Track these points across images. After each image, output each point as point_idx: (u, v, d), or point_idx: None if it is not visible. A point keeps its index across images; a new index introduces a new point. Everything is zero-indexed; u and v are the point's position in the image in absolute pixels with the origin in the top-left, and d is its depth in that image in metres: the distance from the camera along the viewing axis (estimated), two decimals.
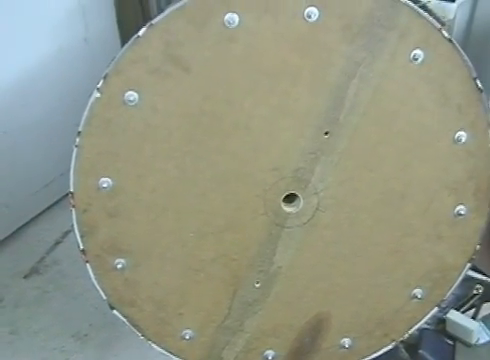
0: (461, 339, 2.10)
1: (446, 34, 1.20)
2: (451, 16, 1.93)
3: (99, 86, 1.15)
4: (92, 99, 1.16)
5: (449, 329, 2.12)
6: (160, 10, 3.06)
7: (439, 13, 1.83)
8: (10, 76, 2.73)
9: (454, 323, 2.10)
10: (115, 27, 3.15)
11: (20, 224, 3.08)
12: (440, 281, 1.40)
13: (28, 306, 2.67)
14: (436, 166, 1.29)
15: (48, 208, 3.18)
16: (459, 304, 2.20)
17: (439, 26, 1.19)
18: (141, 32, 1.14)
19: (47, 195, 3.14)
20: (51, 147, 2.98)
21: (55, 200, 3.18)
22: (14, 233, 3.05)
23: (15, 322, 2.60)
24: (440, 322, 2.16)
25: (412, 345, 2.04)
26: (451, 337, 2.13)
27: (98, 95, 1.16)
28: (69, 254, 2.86)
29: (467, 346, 2.09)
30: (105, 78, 1.15)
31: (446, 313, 2.13)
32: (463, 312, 2.18)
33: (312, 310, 1.40)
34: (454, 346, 2.11)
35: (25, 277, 2.83)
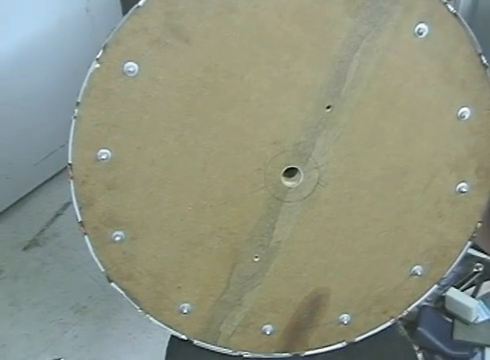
0: (460, 317, 2.10)
1: (451, 9, 1.18)
2: None
3: (98, 56, 1.14)
4: (91, 69, 1.15)
5: (448, 307, 2.13)
6: None
7: None
8: (11, 46, 2.72)
9: (453, 301, 2.11)
10: None
11: (20, 196, 3.09)
12: (440, 258, 1.39)
13: (28, 278, 2.69)
14: (438, 143, 1.27)
15: (48, 180, 3.20)
16: (459, 282, 2.20)
17: (444, 0, 1.17)
18: (141, 2, 1.12)
19: (48, 167, 3.15)
20: (52, 118, 2.98)
21: (56, 172, 3.19)
22: (14, 205, 3.06)
23: (15, 294, 2.62)
24: (439, 300, 2.16)
25: (411, 322, 2.04)
26: (450, 315, 2.14)
27: (97, 65, 1.14)
28: (69, 226, 2.88)
29: (466, 324, 2.09)
30: (104, 48, 1.14)
31: (446, 291, 2.14)
32: (463, 290, 2.18)
33: (311, 285, 1.39)
34: (453, 324, 2.12)
35: (25, 249, 2.84)
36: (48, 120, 2.98)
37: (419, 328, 2.07)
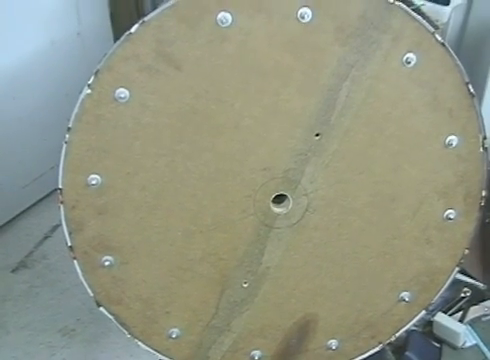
0: (448, 342, 2.10)
1: (439, 38, 1.19)
2: (445, 20, 1.93)
3: (90, 82, 1.15)
4: (83, 95, 1.16)
5: (436, 331, 2.12)
6: (154, 4, 3.05)
7: (433, 16, 1.83)
8: (2, 68, 2.72)
9: (441, 326, 2.10)
10: (108, 21, 3.14)
11: (9, 217, 3.07)
12: (428, 285, 1.40)
13: (15, 300, 2.66)
14: (426, 170, 1.29)
15: (38, 202, 3.18)
16: (447, 307, 2.20)
17: (432, 30, 1.19)
18: (133, 29, 1.13)
19: (37, 189, 3.13)
20: (42, 140, 2.97)
21: (45, 194, 3.18)
22: (3, 226, 3.04)
23: (2, 316, 2.59)
24: (427, 324, 2.16)
25: (399, 347, 2.04)
26: (438, 340, 2.13)
27: (89, 91, 1.15)
28: (57, 249, 2.86)
29: (454, 349, 2.09)
30: (96, 74, 1.15)
31: (433, 315, 2.13)
32: (450, 315, 2.18)
33: (299, 311, 1.39)
34: (441, 349, 2.11)
35: (13, 271, 2.82)
36: (38, 142, 2.97)
37: (407, 353, 2.06)
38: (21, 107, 2.87)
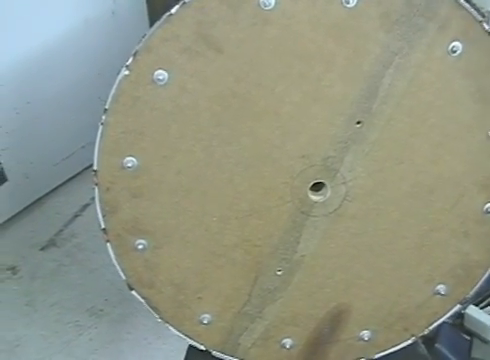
0: (478, 335, 2.08)
1: (487, 27, 1.16)
2: None
3: (128, 63, 1.13)
4: (120, 76, 1.14)
5: (467, 324, 2.11)
6: None
7: (478, 4, 1.79)
8: (35, 47, 2.73)
9: (472, 319, 2.09)
10: (143, 1, 3.13)
11: (39, 195, 3.10)
12: (464, 278, 1.38)
13: (44, 278, 2.69)
14: (468, 162, 1.26)
15: (68, 180, 3.20)
16: (478, 299, 2.18)
17: (480, 18, 1.16)
18: (174, 10, 1.11)
19: (68, 167, 3.15)
20: (74, 119, 2.99)
21: (75, 172, 3.20)
22: (33, 204, 3.06)
23: (31, 294, 2.62)
24: (458, 317, 2.14)
25: (429, 339, 2.02)
26: (468, 332, 2.11)
27: (127, 72, 1.14)
28: (87, 228, 2.87)
29: (484, 342, 2.07)
30: (135, 55, 1.13)
31: (465, 308, 2.11)
32: (482, 308, 2.16)
33: (333, 301, 1.38)
34: (471, 342, 2.09)
35: (42, 249, 2.85)
36: (69, 121, 2.98)
37: (437, 345, 2.05)
38: (53, 86, 2.88)
